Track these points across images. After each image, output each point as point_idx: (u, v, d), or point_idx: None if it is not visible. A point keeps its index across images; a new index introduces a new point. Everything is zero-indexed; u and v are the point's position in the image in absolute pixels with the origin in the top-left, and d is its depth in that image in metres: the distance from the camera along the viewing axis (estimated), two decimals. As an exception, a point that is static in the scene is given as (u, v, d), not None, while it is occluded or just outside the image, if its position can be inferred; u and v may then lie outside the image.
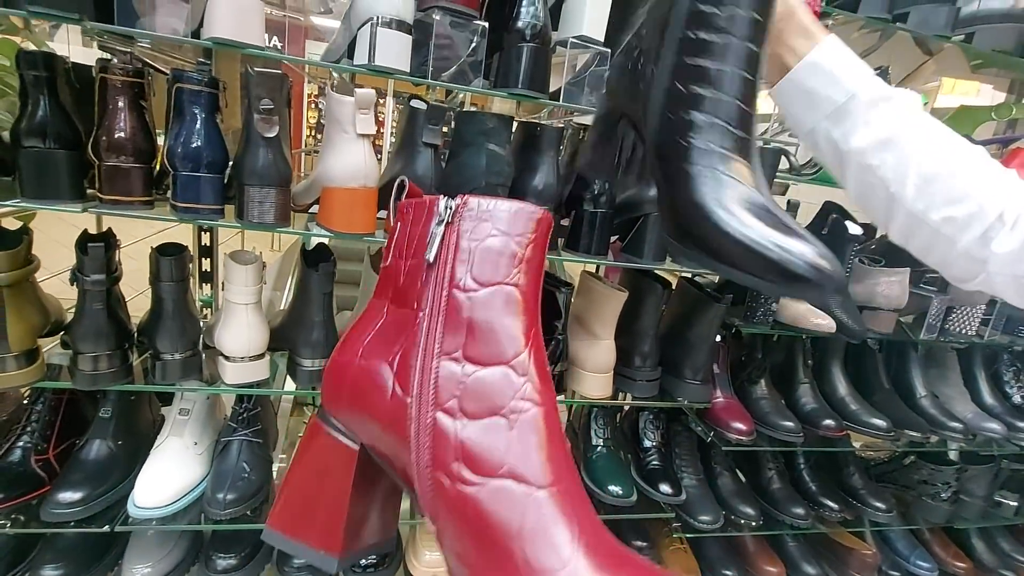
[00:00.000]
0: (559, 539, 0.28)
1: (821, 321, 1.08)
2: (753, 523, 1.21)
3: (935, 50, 1.13)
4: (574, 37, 0.79)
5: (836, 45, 0.45)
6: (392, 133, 5.69)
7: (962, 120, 1.33)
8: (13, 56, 0.72)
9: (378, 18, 0.73)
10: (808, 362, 1.28)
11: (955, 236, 0.46)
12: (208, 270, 1.21)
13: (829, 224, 1.19)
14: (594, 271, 1.24)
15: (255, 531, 1.00)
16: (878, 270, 1.22)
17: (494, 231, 0.35)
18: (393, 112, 5.26)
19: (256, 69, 0.72)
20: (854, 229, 1.15)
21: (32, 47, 1.01)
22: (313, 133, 6.39)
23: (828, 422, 1.19)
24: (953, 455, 1.45)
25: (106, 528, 0.88)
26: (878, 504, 1.31)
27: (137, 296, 1.00)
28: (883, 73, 1.03)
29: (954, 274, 0.49)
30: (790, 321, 1.12)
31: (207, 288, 1.22)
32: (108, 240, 0.82)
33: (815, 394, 1.25)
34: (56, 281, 0.99)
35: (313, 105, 6.31)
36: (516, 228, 0.35)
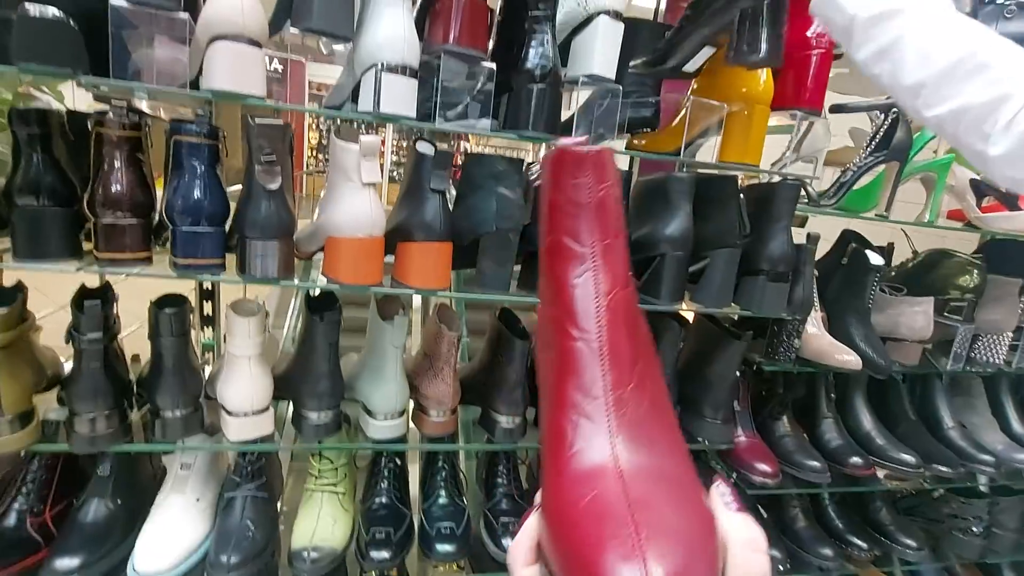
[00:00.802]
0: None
1: (847, 357, 1.04)
2: (780, 567, 1.15)
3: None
4: (584, 76, 0.77)
5: None
6: (393, 162, 5.69)
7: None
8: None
9: (383, 63, 0.70)
10: (831, 395, 1.23)
11: (954, 132, 0.53)
12: (210, 314, 1.18)
13: (849, 253, 1.16)
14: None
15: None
16: (900, 299, 1.18)
17: None
18: (394, 140, 5.24)
19: (258, 121, 0.69)
20: (875, 259, 1.11)
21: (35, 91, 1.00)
22: (315, 153, 6.37)
23: (855, 460, 1.14)
24: (983, 486, 1.40)
25: (104, 596, 0.84)
26: (908, 541, 1.25)
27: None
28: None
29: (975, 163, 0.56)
30: (813, 357, 1.07)
31: (208, 331, 1.18)
32: (106, 295, 0.79)
33: (839, 429, 1.21)
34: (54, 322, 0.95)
35: (314, 126, 6.30)
36: None
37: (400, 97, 0.71)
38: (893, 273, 1.31)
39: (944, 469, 1.17)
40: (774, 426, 1.18)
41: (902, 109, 0.63)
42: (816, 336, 1.09)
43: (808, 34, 0.85)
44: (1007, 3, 1.01)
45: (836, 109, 1.05)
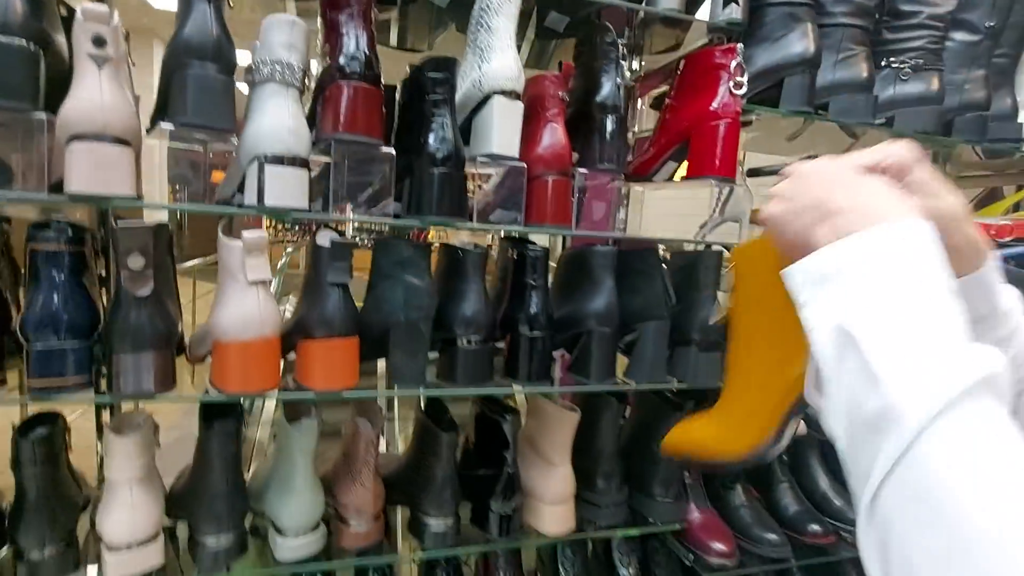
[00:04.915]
0: None
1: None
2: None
3: (859, 133, 1.14)
4: (482, 155, 0.74)
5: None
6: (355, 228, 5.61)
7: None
8: None
9: (265, 155, 0.65)
10: (783, 458, 1.19)
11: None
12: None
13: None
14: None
15: None
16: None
17: None
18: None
19: (120, 224, 0.63)
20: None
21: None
22: (272, 222, 6.21)
23: (814, 527, 1.09)
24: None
25: None
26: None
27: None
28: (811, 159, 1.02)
29: None
30: (758, 423, 1.03)
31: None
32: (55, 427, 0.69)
33: (795, 494, 1.16)
34: None
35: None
36: None
37: (287, 189, 0.67)
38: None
39: (905, 528, 1.13)
40: (728, 496, 1.12)
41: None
42: (759, 401, 1.05)
43: (713, 106, 0.86)
44: (902, 67, 1.06)
45: (753, 173, 1.06)
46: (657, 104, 1.08)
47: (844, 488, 1.19)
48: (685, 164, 0.92)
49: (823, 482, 1.20)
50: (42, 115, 0.62)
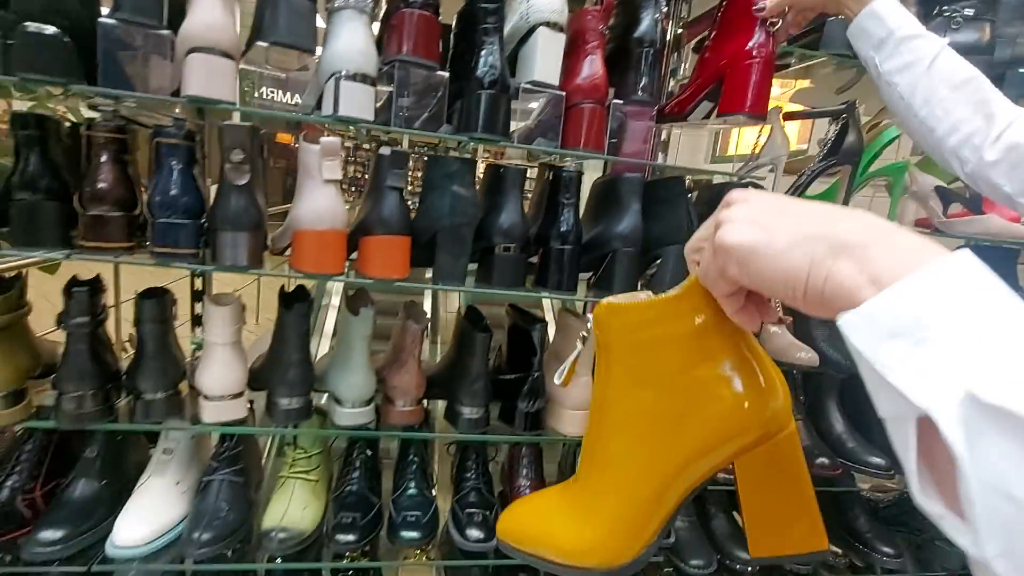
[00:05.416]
0: None
1: (804, 355, 1.06)
2: (749, 568, 1.16)
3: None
4: (526, 82, 0.83)
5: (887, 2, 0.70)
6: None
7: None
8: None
9: (342, 72, 0.77)
10: (800, 397, 1.25)
11: (944, 139, 0.70)
12: (200, 314, 1.25)
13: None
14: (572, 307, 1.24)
15: (236, 572, 1.00)
16: (867, 302, 1.21)
17: None
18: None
19: (226, 123, 0.77)
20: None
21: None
22: (348, 187, 6.38)
23: (822, 460, 1.15)
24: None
25: (83, 569, 0.89)
26: (886, 549, 1.24)
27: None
28: (851, 109, 1.04)
29: (951, 170, 0.73)
30: (773, 355, 1.09)
31: (199, 331, 1.25)
32: (94, 285, 0.87)
33: (809, 431, 1.22)
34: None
35: (352, 161, 6.31)
36: None
37: (357, 102, 0.79)
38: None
39: (916, 473, 1.17)
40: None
41: (902, 117, 0.75)
42: (778, 335, 1.11)
43: (748, 46, 0.91)
44: (955, 15, 1.06)
45: (790, 116, 1.10)
46: (699, 49, 1.13)
47: (859, 430, 1.24)
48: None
49: (839, 425, 1.25)
50: (168, 32, 0.76)
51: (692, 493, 0.44)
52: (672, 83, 1.15)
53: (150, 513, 0.94)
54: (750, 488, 0.43)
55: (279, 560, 1.00)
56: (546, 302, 2.62)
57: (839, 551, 1.23)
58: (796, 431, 0.42)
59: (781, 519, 0.44)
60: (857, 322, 0.28)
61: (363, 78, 0.79)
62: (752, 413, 0.42)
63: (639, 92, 0.89)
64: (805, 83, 1.29)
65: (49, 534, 0.88)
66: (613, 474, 0.45)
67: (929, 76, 0.70)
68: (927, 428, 0.25)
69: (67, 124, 0.87)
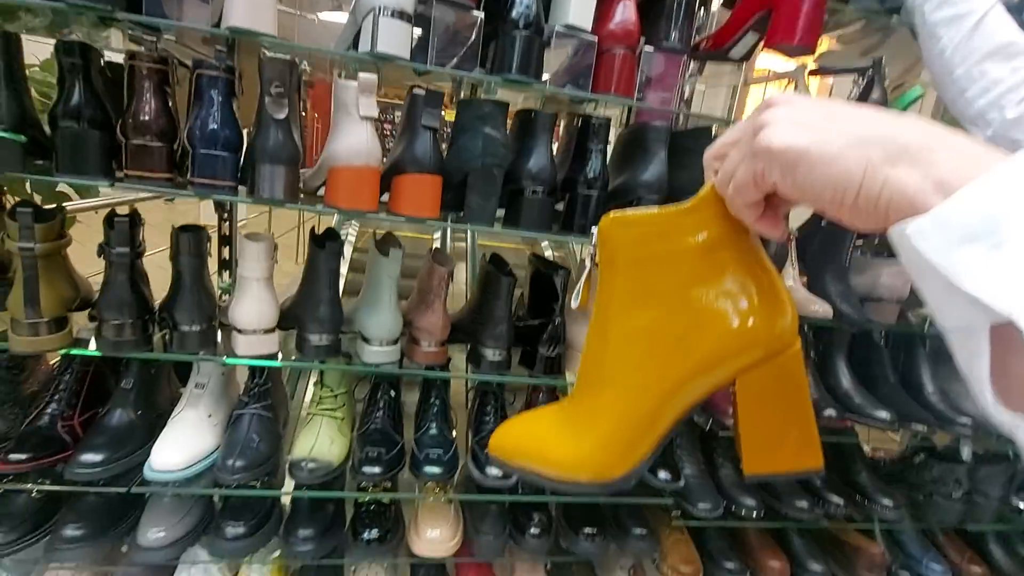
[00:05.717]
0: None
1: (818, 308, 1.09)
2: (754, 513, 1.20)
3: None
4: (560, 26, 0.84)
5: None
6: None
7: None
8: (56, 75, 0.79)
9: (380, 8, 0.78)
10: (809, 353, 1.28)
11: (973, 100, 0.73)
12: (228, 258, 1.28)
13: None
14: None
15: (263, 501, 1.05)
16: (881, 261, 1.23)
17: None
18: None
19: (268, 55, 0.78)
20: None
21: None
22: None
23: (829, 411, 1.18)
24: (966, 456, 1.42)
25: (124, 489, 0.94)
26: (885, 501, 1.29)
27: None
28: (877, 66, 1.05)
29: (972, 129, 0.74)
30: (788, 308, 1.12)
31: (227, 275, 1.28)
32: (133, 218, 0.89)
33: (817, 384, 1.25)
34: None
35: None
36: None
37: (395, 39, 0.80)
38: (876, 241, 1.35)
39: (920, 427, 1.21)
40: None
41: (936, 73, 0.77)
42: (792, 289, 1.14)
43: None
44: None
45: (816, 72, 1.11)
46: (730, 3, 1.12)
47: (869, 391, 1.27)
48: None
49: (846, 380, 1.28)
50: (209, -37, 0.77)
51: (688, 413, 0.43)
52: (697, 38, 1.15)
53: (185, 441, 0.98)
54: (749, 405, 0.42)
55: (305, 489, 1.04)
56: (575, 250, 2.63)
57: (840, 502, 1.27)
58: (800, 350, 0.42)
59: (778, 437, 0.43)
60: (927, 228, 0.26)
61: (401, 15, 0.80)
62: (758, 330, 0.40)
63: (671, 39, 0.90)
64: (831, 43, 1.29)
65: (90, 456, 0.92)
66: (610, 391, 0.44)
67: (974, 34, 0.70)
68: (999, 337, 0.25)
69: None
